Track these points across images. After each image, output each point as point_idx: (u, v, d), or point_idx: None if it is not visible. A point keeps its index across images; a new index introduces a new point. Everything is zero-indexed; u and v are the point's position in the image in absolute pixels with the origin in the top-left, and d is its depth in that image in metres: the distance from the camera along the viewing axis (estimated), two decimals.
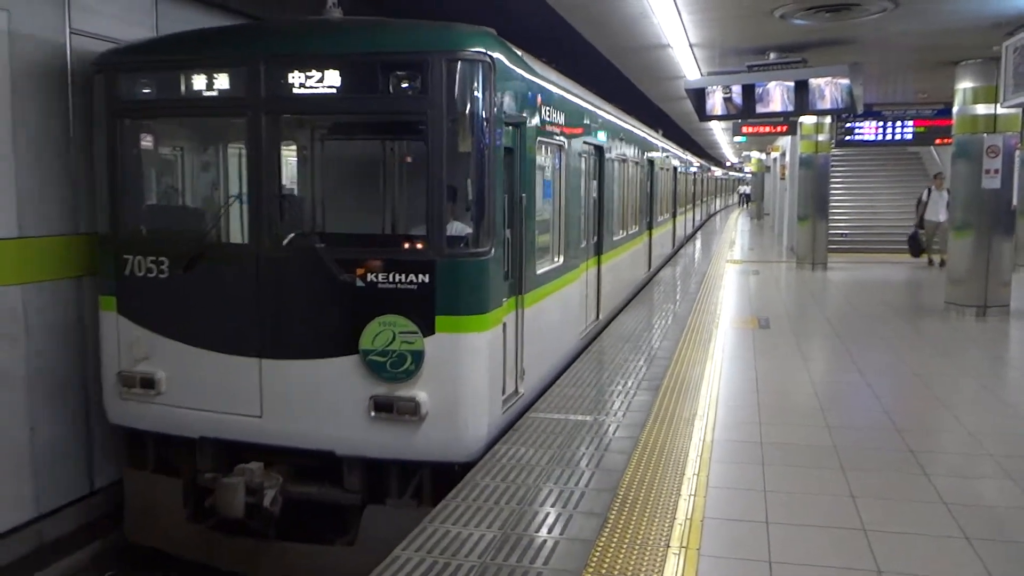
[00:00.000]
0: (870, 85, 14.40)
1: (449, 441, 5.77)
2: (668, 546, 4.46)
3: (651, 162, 16.25)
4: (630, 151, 13.09)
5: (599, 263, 10.47)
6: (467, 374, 5.76)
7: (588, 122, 9.51)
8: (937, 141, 18.35)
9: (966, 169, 12.18)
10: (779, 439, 6.39)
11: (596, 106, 10.20)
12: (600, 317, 10.62)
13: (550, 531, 4.60)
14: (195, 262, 6.15)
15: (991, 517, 5.01)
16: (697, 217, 34.32)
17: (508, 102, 6.12)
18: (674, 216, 22.19)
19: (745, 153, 48.29)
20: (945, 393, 7.94)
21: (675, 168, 22.06)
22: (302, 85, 5.80)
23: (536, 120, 6.98)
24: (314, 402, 5.88)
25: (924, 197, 18.96)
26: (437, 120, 5.59)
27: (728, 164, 66.92)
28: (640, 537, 4.56)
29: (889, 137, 18.26)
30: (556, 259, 8.06)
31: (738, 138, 25.34)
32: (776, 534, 4.66)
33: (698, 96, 11.77)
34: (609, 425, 6.60)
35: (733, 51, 11.56)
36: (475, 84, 5.70)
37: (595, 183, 10.29)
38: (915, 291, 15.92)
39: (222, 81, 6.06)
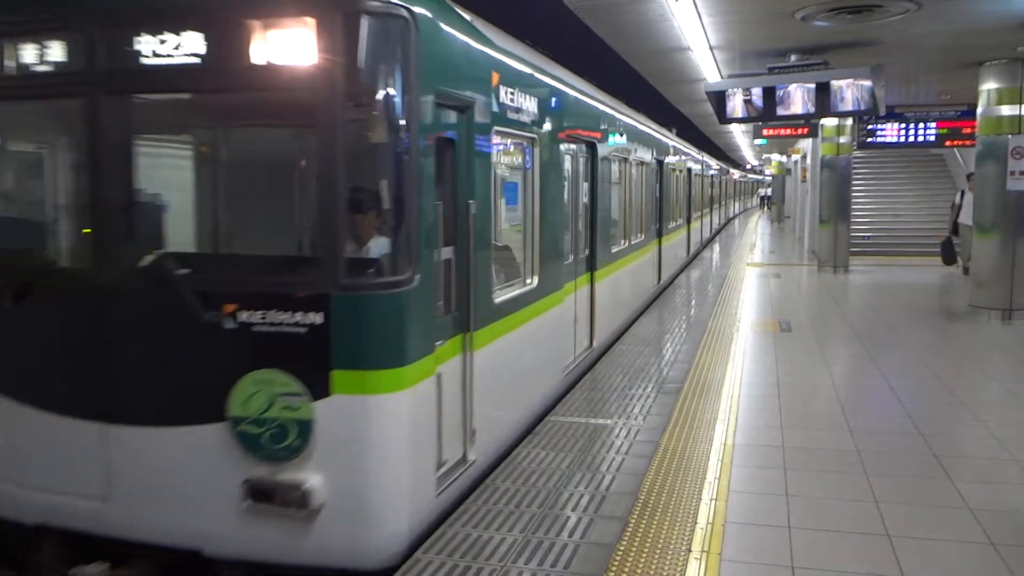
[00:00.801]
0: (892, 86, 14.28)
1: (354, 542, 4.28)
2: (689, 551, 4.44)
3: (661, 163, 14.84)
4: (634, 150, 11.79)
5: (592, 281, 9.07)
6: (378, 449, 4.26)
7: (574, 112, 8.10)
8: (947, 143, 18.15)
9: (991, 171, 12.05)
10: (801, 443, 6.35)
11: (587, 94, 8.82)
12: (594, 344, 9.12)
13: (571, 535, 4.59)
14: (22, 293, 4.68)
15: (1017, 523, 4.95)
16: (715, 222, 32.60)
17: (445, 77, 4.78)
18: (688, 222, 20.59)
19: (765, 156, 48.05)
20: (969, 397, 7.85)
21: (690, 170, 20.69)
22: (154, 54, 4.29)
23: (492, 104, 5.58)
24: (174, 484, 4.42)
25: (958, 200, 17.69)
26: (331, 99, 4.11)
27: (748, 167, 66.62)
28: (661, 541, 4.54)
29: (912, 139, 18.09)
30: (528, 281, 6.68)
31: (758, 141, 25.17)
32: (799, 539, 4.63)
33: (718, 99, 11.73)
34: (629, 429, 6.58)
35: (753, 53, 11.52)
36: (389, 49, 4.23)
37: (586, 186, 8.94)
38: (939, 294, 15.77)
39: (45, 51, 4.52)
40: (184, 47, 4.27)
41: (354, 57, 4.11)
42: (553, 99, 7.25)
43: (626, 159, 11.21)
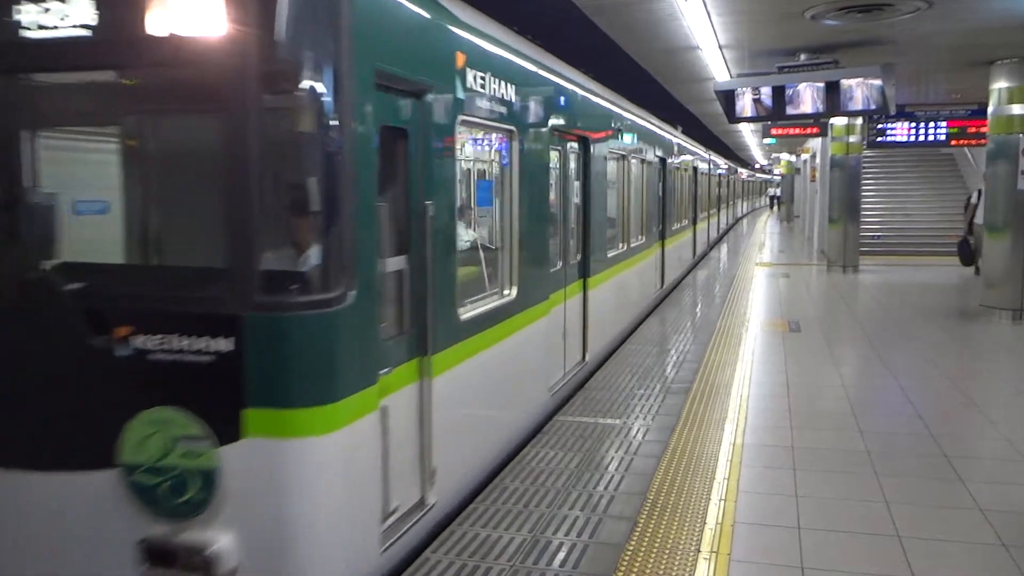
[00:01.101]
0: (902, 85, 14.20)
1: None
2: (699, 551, 4.43)
3: (664, 162, 14.13)
4: (633, 147, 11.12)
5: (585, 289, 8.37)
6: (301, 503, 3.54)
7: (563, 104, 7.34)
8: (953, 143, 18.04)
9: (1002, 170, 12.00)
10: (811, 443, 6.33)
11: (579, 85, 8.07)
12: (587, 358, 8.44)
13: (580, 535, 4.59)
14: None
15: None
16: (722, 223, 31.69)
17: (391, 56, 4.08)
18: (694, 223, 19.89)
19: (775, 155, 47.90)
20: (980, 397, 7.82)
21: (696, 169, 20.01)
22: (38, 26, 3.63)
23: (457, 90, 4.88)
24: (58, 540, 3.71)
25: (974, 199, 17.20)
26: (243, 79, 3.42)
27: (757, 166, 66.45)
28: (670, 542, 4.54)
29: (922, 138, 18.01)
30: (507, 291, 5.99)
31: (768, 140, 25.11)
32: (808, 540, 4.62)
33: (727, 98, 11.70)
34: (638, 429, 6.58)
35: (763, 52, 11.48)
36: (316, 18, 3.54)
37: (578, 186, 8.23)
38: (949, 294, 15.70)
39: None
40: (72, 17, 3.57)
41: (271, 27, 3.41)
42: (537, 89, 6.56)
43: (624, 157, 10.59)
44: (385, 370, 4.03)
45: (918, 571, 4.26)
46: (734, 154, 49.57)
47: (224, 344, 3.46)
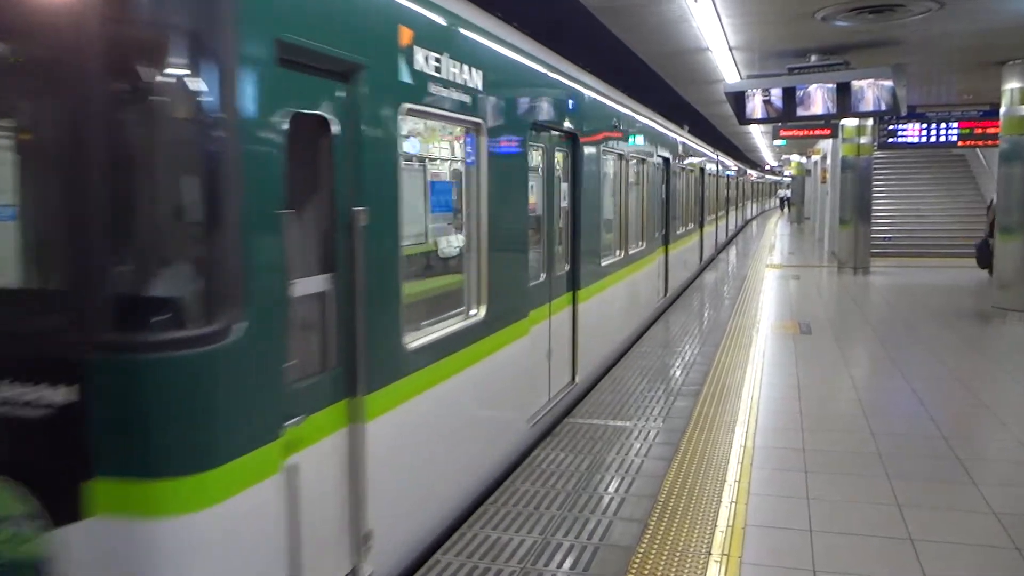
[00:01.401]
0: (913, 86, 14.15)
1: None
2: (709, 554, 4.42)
3: (667, 162, 13.16)
4: (632, 145, 10.23)
5: (575, 302, 7.54)
6: None
7: (546, 95, 6.54)
8: (964, 144, 17.95)
9: (1015, 171, 11.95)
10: (822, 446, 6.31)
11: (566, 75, 7.27)
12: (577, 379, 7.59)
13: (590, 537, 4.59)
14: None
15: None
16: (731, 225, 30.47)
17: (299, 25, 3.23)
18: (701, 226, 18.95)
19: (785, 156, 47.79)
20: (993, 400, 7.77)
21: (703, 170, 19.05)
22: None
23: (400, 72, 4.04)
24: None
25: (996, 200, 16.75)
26: (87, 51, 2.69)
27: (767, 167, 66.28)
28: (681, 544, 4.53)
29: (933, 139, 17.93)
30: (473, 311, 5.14)
31: (778, 142, 25.05)
32: (820, 543, 4.60)
33: (737, 99, 11.67)
34: (649, 431, 6.56)
35: (773, 54, 11.46)
36: None
37: (566, 188, 7.47)
38: (961, 296, 15.61)
39: None
40: None
41: None
42: (513, 77, 5.73)
43: (622, 156, 9.75)
44: (295, 420, 3.21)
45: (930, 574, 4.24)
46: (743, 155, 49.44)
47: (63, 394, 2.66)
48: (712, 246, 22.19)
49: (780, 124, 19.27)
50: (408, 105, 4.13)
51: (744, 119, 11.88)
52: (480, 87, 4.99)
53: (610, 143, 8.98)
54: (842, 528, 4.81)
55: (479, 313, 5.15)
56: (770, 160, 56.46)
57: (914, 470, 5.80)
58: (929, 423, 6.96)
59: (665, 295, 13.36)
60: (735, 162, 33.13)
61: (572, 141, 7.45)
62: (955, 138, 17.84)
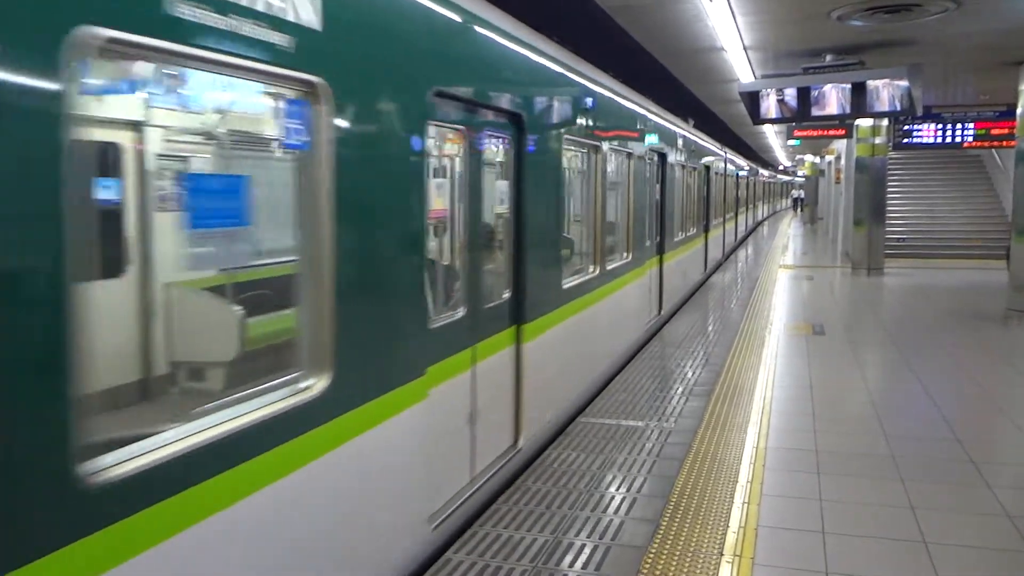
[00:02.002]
0: (929, 87, 14.09)
1: None
2: (721, 554, 4.41)
3: (663, 157, 11.59)
4: (614, 135, 8.42)
5: (519, 341, 5.68)
6: None
7: (456, 56, 4.71)
8: (965, 145, 17.83)
9: None
10: (835, 447, 6.28)
11: (498, 30, 5.37)
12: (521, 441, 5.76)
13: (602, 536, 4.58)
14: None
15: None
16: (740, 228, 28.54)
17: None
18: (706, 230, 17.35)
19: (799, 156, 47.60)
20: (1007, 402, 7.72)
21: (709, 168, 17.54)
22: None
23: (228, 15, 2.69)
24: None
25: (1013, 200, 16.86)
26: None
27: (781, 167, 66.03)
28: (693, 545, 4.52)
29: (948, 140, 17.83)
30: (307, 384, 3.29)
31: (792, 141, 24.95)
32: (832, 544, 4.58)
33: (752, 99, 11.64)
34: (661, 431, 6.55)
35: (788, 53, 11.42)
36: None
37: (506, 188, 5.60)
38: (975, 297, 15.52)
39: None
40: None
41: None
42: (373, 20, 3.79)
43: (597, 149, 7.84)
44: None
45: None
46: (756, 155, 49.28)
47: None
48: (718, 254, 20.59)
49: (794, 124, 19.20)
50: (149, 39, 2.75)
51: (758, 119, 11.85)
52: (314, 21, 3.21)
53: (581, 131, 7.20)
54: (855, 530, 4.79)
55: (315, 387, 3.31)
56: (784, 160, 56.24)
57: (927, 472, 5.77)
58: (943, 425, 6.92)
59: (659, 313, 11.52)
60: (746, 161, 31.93)
61: (515, 125, 5.56)
62: (971, 139, 17.75)
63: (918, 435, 6.67)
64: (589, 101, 7.41)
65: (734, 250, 25.72)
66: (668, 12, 9.20)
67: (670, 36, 10.61)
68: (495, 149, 5.57)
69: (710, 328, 11.47)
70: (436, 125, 4.52)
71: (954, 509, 5.15)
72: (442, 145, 4.88)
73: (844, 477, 5.66)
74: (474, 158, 5.02)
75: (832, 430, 6.73)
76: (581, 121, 7.20)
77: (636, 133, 9.64)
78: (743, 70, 12.78)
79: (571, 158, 7.49)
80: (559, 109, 6.59)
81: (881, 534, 4.75)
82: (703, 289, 16.18)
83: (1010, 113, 15.08)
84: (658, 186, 11.47)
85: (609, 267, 8.35)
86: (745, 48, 11.13)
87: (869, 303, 14.87)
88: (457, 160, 4.93)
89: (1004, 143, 17.51)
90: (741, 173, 27.86)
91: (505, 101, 5.37)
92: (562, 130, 6.60)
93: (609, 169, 8.49)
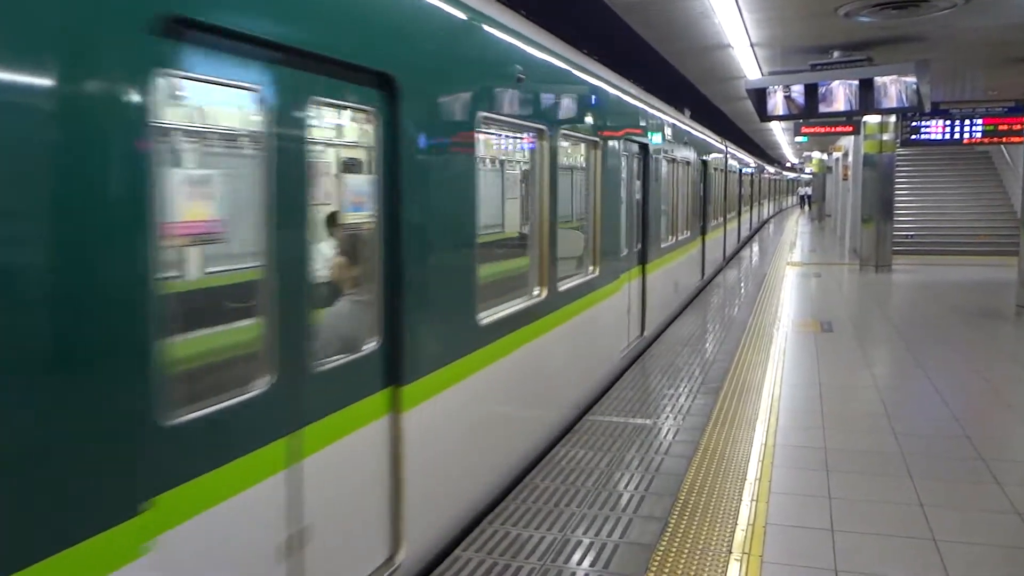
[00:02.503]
0: (937, 83, 14.04)
1: None
2: (730, 552, 4.41)
3: (645, 150, 9.72)
4: (564, 119, 6.53)
5: (397, 407, 3.95)
6: None
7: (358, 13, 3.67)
8: (966, 141, 17.75)
9: None
10: (843, 445, 6.27)
11: None
12: (400, 557, 4.01)
13: (610, 534, 4.59)
14: None
15: None
16: (744, 229, 26.45)
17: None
18: (703, 233, 15.54)
19: (806, 153, 47.49)
20: (1017, 399, 7.69)
21: (705, 162, 15.55)
22: None
23: None
24: None
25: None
26: None
27: (788, 164, 65.89)
28: (701, 542, 4.52)
29: (957, 136, 17.76)
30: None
31: (799, 138, 24.88)
32: (842, 542, 4.58)
33: (759, 96, 11.62)
34: (669, 429, 6.55)
35: (795, 50, 11.39)
36: None
37: (374, 183, 3.85)
38: (984, 294, 15.46)
39: None
40: None
41: None
42: None
43: (542, 133, 6.05)
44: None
45: (953, 575, 4.20)
46: (763, 151, 49.16)
47: None
48: (719, 256, 18.80)
49: (802, 121, 19.15)
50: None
51: (765, 116, 11.82)
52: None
53: (512, 108, 5.37)
54: (864, 528, 4.78)
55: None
56: (791, 157, 56.12)
57: (937, 469, 5.75)
58: (952, 422, 6.90)
59: (642, 333, 9.74)
60: (751, 156, 30.14)
61: (414, 99, 3.99)
62: (979, 135, 17.67)
63: (927, 432, 6.65)
64: (525, 67, 5.49)
65: (737, 252, 23.96)
66: (675, 9, 9.18)
67: (677, 33, 10.59)
68: (346, 127, 4.38)
69: (718, 325, 11.45)
70: (168, 75, 2.68)
71: (963, 506, 5.13)
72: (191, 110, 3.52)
73: (853, 474, 5.65)
74: (287, 137, 3.15)
75: (841, 427, 6.72)
76: (512, 94, 5.34)
77: (607, 117, 7.84)
78: (750, 67, 12.75)
79: (492, 144, 6.20)
80: (470, 74, 4.78)
81: (890, 531, 4.73)
82: (705, 290, 15.86)
83: (1019, 109, 15.05)
84: (640, 183, 9.73)
85: (564, 287, 6.53)
86: (752, 45, 11.10)
87: (877, 300, 14.83)
88: (248, 140, 3.37)
89: (1013, 139, 17.43)
90: (745, 169, 26.17)
91: (355, 49, 3.55)
92: (477, 105, 4.74)
93: (564, 161, 6.88)
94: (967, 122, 17.49)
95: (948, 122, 17.63)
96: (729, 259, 21.33)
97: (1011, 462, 6.03)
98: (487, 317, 5.00)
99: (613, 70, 8.40)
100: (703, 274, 15.66)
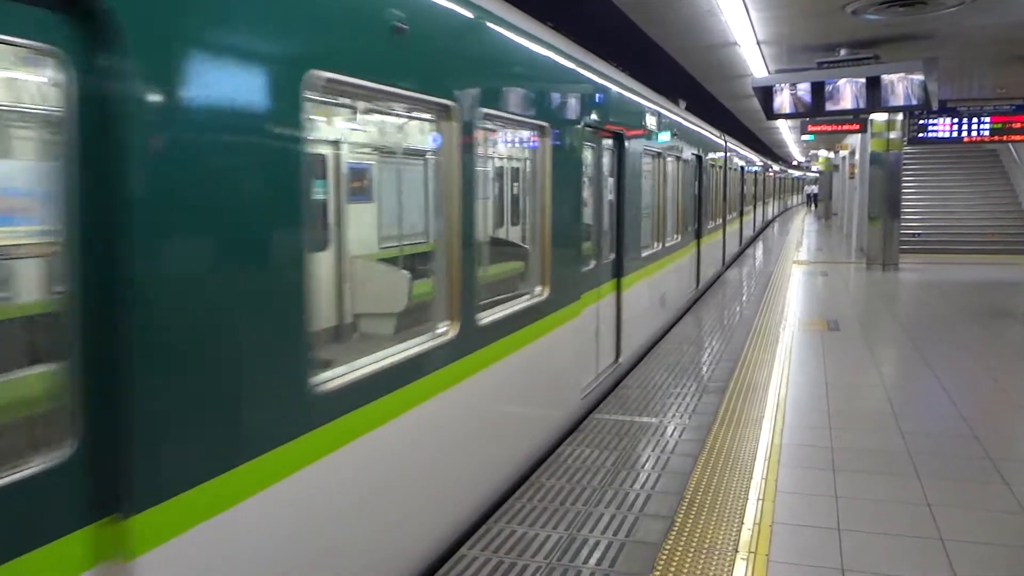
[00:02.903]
0: (945, 81, 13.99)
1: None
2: (736, 551, 4.40)
3: (619, 138, 8.14)
4: (487, 94, 4.82)
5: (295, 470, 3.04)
6: None
7: None
8: (966, 139, 17.68)
9: None
10: (850, 444, 6.25)
11: None
12: None
13: (616, 533, 4.58)
14: None
15: None
16: (747, 231, 24.44)
17: None
18: (698, 237, 13.81)
19: (812, 152, 47.36)
20: None
21: (699, 158, 13.76)
22: None
23: None
24: None
25: None
26: None
27: (794, 162, 65.73)
28: (707, 541, 4.51)
29: (964, 134, 17.71)
30: None
31: (805, 137, 24.81)
32: (848, 541, 4.56)
33: (765, 94, 11.59)
34: (675, 427, 6.54)
35: (802, 48, 11.36)
36: None
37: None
38: (992, 293, 15.40)
39: None
40: None
41: None
42: None
43: (447, 112, 4.39)
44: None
45: (961, 575, 4.18)
46: (769, 149, 49.04)
47: None
48: (717, 260, 17.42)
49: (808, 119, 19.10)
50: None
51: (772, 114, 11.80)
52: None
53: (384, 70, 3.77)
54: (871, 527, 4.77)
55: None
56: (797, 155, 55.97)
57: (944, 469, 5.73)
58: (960, 422, 6.88)
59: (617, 359, 8.23)
60: (754, 154, 28.23)
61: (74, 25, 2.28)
62: (987, 133, 17.62)
63: (934, 431, 6.63)
64: (409, 12, 3.87)
65: (738, 256, 22.40)
66: (682, 7, 9.16)
67: (684, 31, 10.57)
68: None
69: (724, 324, 11.42)
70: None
71: (971, 506, 5.11)
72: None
73: (860, 474, 5.63)
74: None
75: (847, 426, 6.70)
76: (390, 49, 3.76)
77: (561, 97, 6.31)
78: (757, 65, 12.72)
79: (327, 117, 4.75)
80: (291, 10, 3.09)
81: (897, 531, 4.72)
82: (708, 291, 15.63)
83: None
84: (613, 181, 8.16)
85: (486, 319, 4.87)
86: (759, 43, 11.08)
87: (884, 299, 14.78)
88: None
89: (1021, 137, 17.37)
90: (748, 167, 24.04)
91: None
92: (308, 62, 3.13)
93: (486, 152, 5.82)
94: (975, 120, 17.44)
95: (956, 120, 17.59)
96: (729, 264, 19.82)
97: (1019, 462, 6.00)
98: (331, 384, 3.31)
99: (627, 72, 8.32)
100: (698, 282, 14.19)
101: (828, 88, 10.98)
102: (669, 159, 10.96)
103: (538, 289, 5.93)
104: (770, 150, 48.74)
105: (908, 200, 22.14)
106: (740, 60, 12.48)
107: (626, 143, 8.30)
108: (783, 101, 11.53)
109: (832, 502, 5.12)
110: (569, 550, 4.37)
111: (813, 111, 11.42)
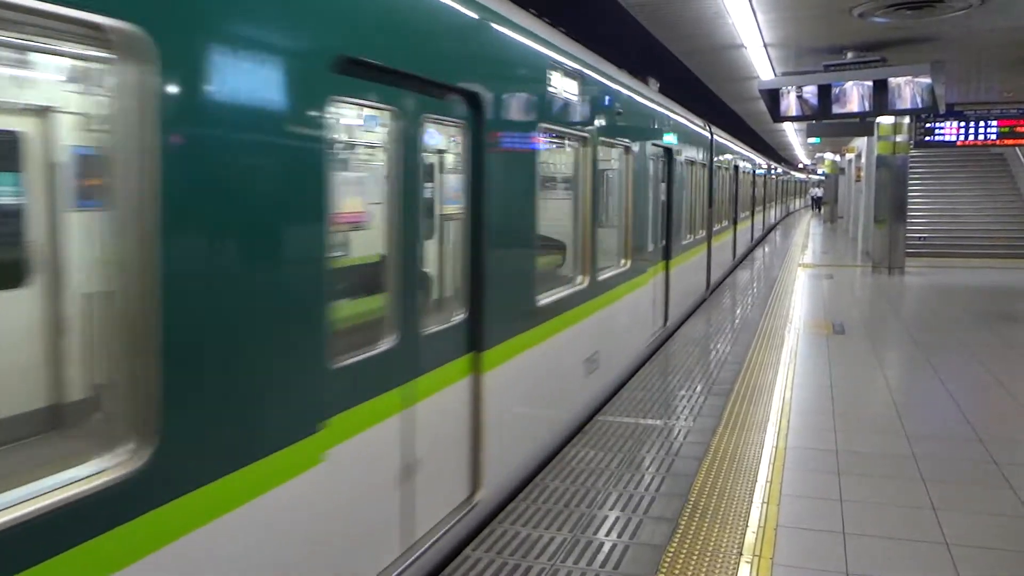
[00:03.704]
0: (952, 84, 13.97)
1: None
2: (740, 554, 4.40)
3: (668, 152, 9.27)
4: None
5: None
6: None
7: None
8: (960, 143, 17.64)
9: None
10: (855, 447, 6.24)
11: None
12: None
13: (620, 535, 4.58)
14: None
15: None
16: (740, 245, 21.12)
17: None
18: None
19: (818, 154, 47.30)
20: None
21: (669, 152, 10.39)
22: None
23: None
24: None
25: None
26: None
27: (800, 165, 65.65)
28: (712, 544, 4.51)
29: (971, 137, 17.67)
30: None
31: (812, 139, 24.78)
32: (853, 545, 4.56)
33: (772, 97, 11.59)
34: (679, 430, 6.54)
35: (809, 51, 11.36)
36: None
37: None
38: (998, 296, 15.37)
39: None
40: None
41: None
42: None
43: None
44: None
45: None
46: (775, 152, 48.99)
47: None
48: (728, 258, 17.19)
49: (815, 122, 19.08)
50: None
51: (778, 116, 11.79)
52: None
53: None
54: (875, 531, 4.76)
55: None
56: (803, 158, 55.91)
57: (949, 473, 5.72)
58: (965, 426, 6.86)
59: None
60: (753, 152, 25.21)
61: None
62: (994, 136, 17.58)
63: (939, 435, 6.61)
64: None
65: (736, 266, 20.24)
66: (688, 9, 9.17)
67: (689, 34, 10.57)
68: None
69: (729, 327, 11.42)
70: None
71: (976, 510, 5.10)
72: None
73: (864, 477, 5.62)
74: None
75: (852, 430, 6.69)
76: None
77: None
78: (763, 68, 12.72)
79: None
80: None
81: (902, 535, 4.71)
82: (711, 291, 15.44)
83: None
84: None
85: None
86: (766, 45, 11.08)
87: (890, 302, 14.76)
88: None
89: (963, 143, 17.38)
90: (743, 166, 21.09)
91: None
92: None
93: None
94: (982, 123, 17.42)
95: (962, 123, 17.57)
96: (730, 271, 18.55)
97: None
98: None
99: (632, 74, 8.40)
100: (709, 284, 13.86)
101: (835, 91, 10.97)
102: (677, 160, 10.80)
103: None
104: (776, 152, 48.65)
105: (914, 203, 22.10)
106: (747, 62, 12.48)
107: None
108: (790, 103, 11.53)
109: (837, 506, 5.11)
110: (573, 552, 4.37)
111: (820, 114, 11.42)
